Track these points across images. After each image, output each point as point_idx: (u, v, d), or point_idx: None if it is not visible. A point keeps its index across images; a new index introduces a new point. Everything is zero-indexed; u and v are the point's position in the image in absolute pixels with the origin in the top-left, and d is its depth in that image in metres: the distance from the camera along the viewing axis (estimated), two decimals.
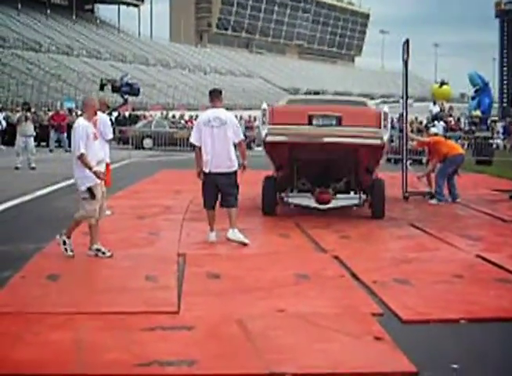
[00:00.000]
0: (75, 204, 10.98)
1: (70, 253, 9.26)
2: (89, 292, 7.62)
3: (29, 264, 8.86)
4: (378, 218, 13.15)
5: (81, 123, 9.40)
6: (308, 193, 13.36)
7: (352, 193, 13.39)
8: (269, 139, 12.44)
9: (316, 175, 13.50)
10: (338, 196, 13.24)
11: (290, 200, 13.41)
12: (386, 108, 12.73)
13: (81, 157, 9.14)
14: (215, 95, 10.69)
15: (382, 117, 12.31)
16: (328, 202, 13.14)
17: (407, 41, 15.78)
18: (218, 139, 10.32)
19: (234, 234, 10.51)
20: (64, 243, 9.31)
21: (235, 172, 10.52)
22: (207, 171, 10.44)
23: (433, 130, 18.72)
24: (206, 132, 10.38)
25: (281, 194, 13.50)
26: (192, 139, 10.69)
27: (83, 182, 9.34)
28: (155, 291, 7.64)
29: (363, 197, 13.28)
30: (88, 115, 9.63)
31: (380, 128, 12.25)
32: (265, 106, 12.51)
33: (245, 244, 10.39)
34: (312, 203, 13.22)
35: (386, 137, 12.38)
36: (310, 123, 12.24)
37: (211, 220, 10.71)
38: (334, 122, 12.22)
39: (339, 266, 9.03)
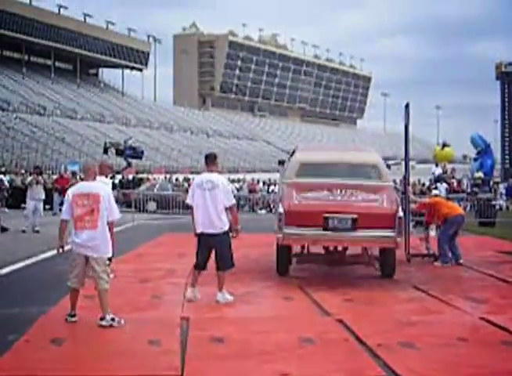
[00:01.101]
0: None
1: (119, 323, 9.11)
2: (93, 357, 7.60)
3: (33, 328, 8.86)
4: (388, 276, 13.39)
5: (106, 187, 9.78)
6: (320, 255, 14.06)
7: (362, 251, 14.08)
8: (285, 242, 12.87)
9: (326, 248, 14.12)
10: (349, 254, 13.89)
11: (302, 261, 14.02)
12: (401, 213, 12.74)
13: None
14: (210, 160, 11.16)
15: (397, 220, 12.48)
16: (340, 263, 13.90)
17: (407, 105, 15.93)
18: (210, 201, 10.71)
19: (222, 297, 10.87)
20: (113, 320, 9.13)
21: (226, 233, 10.84)
22: (199, 231, 10.86)
23: (434, 192, 18.83)
24: (199, 194, 10.84)
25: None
26: (187, 200, 11.12)
27: (110, 245, 9.45)
28: (158, 356, 7.62)
29: (374, 256, 13.75)
30: (87, 180, 9.67)
31: (394, 230, 12.48)
32: (281, 209, 12.60)
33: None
34: (325, 263, 13.98)
35: (399, 240, 12.67)
36: (326, 224, 12.41)
37: (194, 277, 11.09)
38: (350, 224, 12.42)
39: (343, 330, 9.00)
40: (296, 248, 14.17)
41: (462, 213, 16.80)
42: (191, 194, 11.02)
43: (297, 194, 12.98)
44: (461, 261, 15.74)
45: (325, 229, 12.43)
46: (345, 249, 14.10)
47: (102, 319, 9.12)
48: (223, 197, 10.75)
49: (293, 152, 15.54)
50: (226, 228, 10.83)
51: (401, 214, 12.64)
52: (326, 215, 12.41)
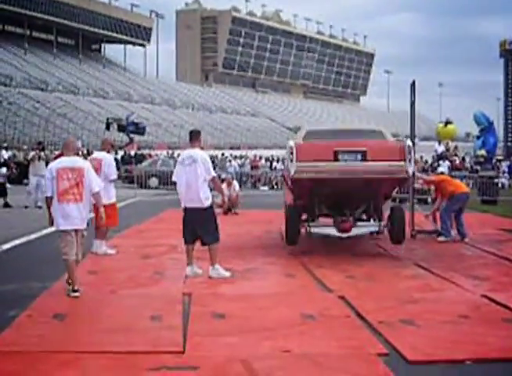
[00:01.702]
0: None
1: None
2: (95, 331, 7.62)
3: (35, 303, 8.89)
4: (398, 242, 13.54)
5: (87, 162, 10.02)
6: (330, 222, 13.79)
7: (372, 220, 13.87)
8: (297, 176, 12.67)
9: (336, 204, 13.75)
10: (358, 223, 13.63)
11: (312, 230, 13.64)
12: (409, 141, 12.83)
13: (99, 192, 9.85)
14: (193, 136, 11.33)
15: (406, 150, 12.53)
16: (349, 230, 13.47)
17: (413, 83, 15.88)
18: (189, 176, 10.87)
19: (215, 271, 10.94)
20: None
21: (207, 208, 10.94)
22: (182, 206, 11.08)
23: (440, 169, 18.85)
24: (180, 170, 11.08)
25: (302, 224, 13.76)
26: (173, 177, 11.28)
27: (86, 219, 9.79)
28: (160, 331, 7.64)
29: (383, 223, 13.63)
30: (68, 154, 9.91)
31: (404, 161, 12.49)
32: (291, 143, 12.62)
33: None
34: (334, 232, 13.52)
35: (411, 170, 12.69)
36: (336, 158, 12.47)
37: (188, 254, 11.17)
38: (360, 157, 12.48)
39: (345, 306, 9.01)
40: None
41: (467, 191, 16.80)
42: (175, 171, 11.26)
43: (307, 140, 13.20)
44: (466, 239, 15.74)
45: (335, 161, 12.52)
46: (353, 216, 13.81)
47: (75, 291, 9.39)
48: (203, 171, 10.84)
49: (296, 131, 15.75)
50: (208, 202, 10.94)
51: (409, 143, 12.70)
52: (336, 148, 12.49)
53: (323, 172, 12.64)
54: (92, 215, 11.13)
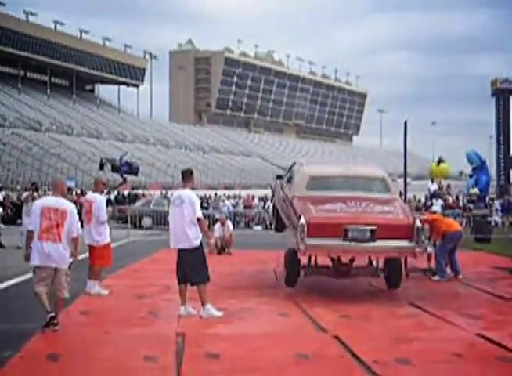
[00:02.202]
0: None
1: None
2: (89, 373, 7.60)
3: (28, 344, 8.84)
4: (395, 287, 13.71)
5: (72, 204, 10.14)
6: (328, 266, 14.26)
7: (368, 265, 14.33)
8: (308, 253, 13.02)
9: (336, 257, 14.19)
10: (356, 269, 14.11)
11: (311, 272, 14.10)
12: (419, 223, 12.86)
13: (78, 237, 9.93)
14: (185, 175, 11.50)
15: (415, 230, 12.61)
16: (347, 275, 14.00)
17: (405, 124, 16.01)
18: (178, 216, 10.98)
19: (205, 312, 10.92)
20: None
21: (195, 249, 10.93)
22: (171, 246, 11.19)
23: (433, 208, 18.97)
24: (170, 211, 11.24)
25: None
26: (168, 217, 11.40)
27: (68, 257, 9.95)
28: (154, 372, 7.62)
29: (380, 267, 13.99)
30: (56, 195, 10.13)
31: (412, 240, 12.62)
32: (302, 221, 12.50)
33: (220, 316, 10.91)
34: (332, 275, 14.10)
35: (418, 250, 12.78)
36: (345, 235, 12.50)
37: (181, 294, 11.16)
38: (369, 235, 12.54)
39: (339, 346, 8.99)
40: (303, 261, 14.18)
41: (460, 229, 17.03)
42: (169, 211, 11.38)
43: (315, 207, 13.07)
44: (460, 276, 15.88)
45: (345, 240, 12.54)
46: (352, 261, 14.22)
47: (55, 324, 9.53)
48: (190, 212, 10.90)
49: (291, 167, 15.72)
50: (196, 243, 10.94)
51: (418, 224, 12.76)
52: (346, 226, 12.53)
53: (332, 251, 13.08)
54: (84, 255, 11.15)
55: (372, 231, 12.51)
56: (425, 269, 16.42)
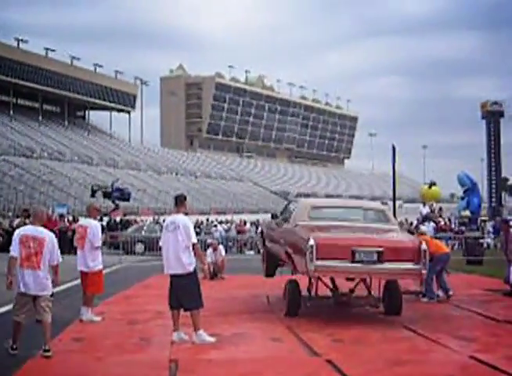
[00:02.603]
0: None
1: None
2: None
3: (20, 372, 8.80)
4: (396, 315, 13.69)
5: (51, 233, 10.31)
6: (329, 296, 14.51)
7: (368, 293, 14.38)
8: (316, 274, 13.06)
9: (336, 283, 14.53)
10: (356, 299, 14.31)
11: (311, 303, 14.11)
12: (424, 245, 12.95)
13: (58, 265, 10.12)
14: (178, 201, 11.52)
15: (422, 253, 12.73)
16: (347, 304, 14.25)
17: (394, 149, 16.18)
18: (171, 242, 11.00)
19: (198, 337, 10.90)
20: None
21: (188, 274, 10.94)
22: (165, 272, 11.18)
23: (422, 228, 19.11)
24: (164, 236, 11.25)
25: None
26: (160, 243, 11.50)
27: (50, 284, 10.15)
28: None
29: (379, 297, 14.07)
30: (35, 224, 10.38)
31: (419, 263, 12.71)
32: (312, 242, 12.53)
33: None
34: (332, 304, 14.30)
35: (424, 271, 12.87)
36: (353, 256, 12.60)
37: (174, 320, 11.14)
38: (376, 257, 12.64)
39: (332, 370, 8.97)
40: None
41: (447, 251, 17.49)
42: (161, 237, 11.42)
43: (320, 231, 13.24)
44: (451, 293, 16.30)
45: (353, 262, 12.64)
46: (351, 291, 14.43)
47: (46, 350, 9.76)
48: (184, 237, 10.92)
49: (286, 206, 16.01)
50: (190, 268, 10.95)
51: (424, 247, 12.86)
52: (354, 248, 12.63)
53: (340, 272, 13.19)
54: (76, 282, 11.16)
55: (379, 253, 12.64)
56: (416, 291, 16.54)
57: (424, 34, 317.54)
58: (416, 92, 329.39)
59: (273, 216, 16.76)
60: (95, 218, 13.59)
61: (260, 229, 18.30)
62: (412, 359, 9.72)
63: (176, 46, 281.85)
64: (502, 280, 17.82)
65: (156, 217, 55.95)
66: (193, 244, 10.98)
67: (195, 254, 11.08)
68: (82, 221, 14.11)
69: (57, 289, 10.66)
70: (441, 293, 16.40)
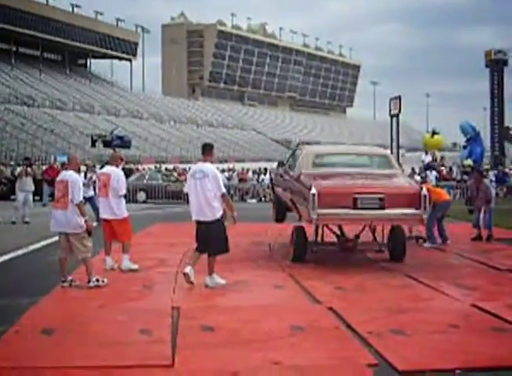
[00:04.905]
0: (69, 257, 11.04)
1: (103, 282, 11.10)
2: (84, 346, 7.57)
3: (23, 318, 8.83)
4: (399, 260, 13.96)
5: (75, 175, 11.03)
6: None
7: (373, 238, 14.78)
8: (319, 223, 13.22)
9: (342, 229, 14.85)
10: (361, 244, 14.58)
11: (318, 248, 14.38)
12: (425, 191, 13.09)
13: (81, 204, 10.95)
14: (205, 150, 11.60)
15: (422, 198, 12.86)
16: (352, 250, 14.49)
17: (399, 97, 16.12)
18: (200, 189, 11.08)
19: (212, 280, 11.19)
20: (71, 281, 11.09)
21: (217, 221, 11.13)
22: (193, 218, 11.30)
23: (429, 177, 19.47)
24: (191, 183, 11.28)
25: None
26: (184, 189, 11.85)
27: (81, 224, 10.94)
28: (149, 345, 7.61)
29: (384, 242, 14.40)
30: (67, 169, 11.47)
31: (420, 208, 12.87)
32: (313, 191, 12.64)
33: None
34: (338, 250, 14.58)
35: (425, 216, 13.07)
36: (355, 204, 12.74)
37: (193, 259, 11.36)
38: (378, 202, 12.81)
39: (334, 318, 9.00)
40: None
41: (449, 199, 17.98)
42: (187, 184, 11.56)
43: (323, 180, 13.34)
44: (448, 241, 16.77)
45: (354, 209, 12.78)
46: (357, 237, 14.61)
47: (88, 281, 10.98)
48: (213, 186, 11.01)
49: (294, 152, 15.93)
50: (218, 215, 11.09)
51: (425, 192, 12.98)
52: (356, 195, 12.76)
53: (343, 220, 13.35)
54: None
55: (380, 199, 12.76)
56: (417, 236, 16.83)
57: None
58: (419, 40, 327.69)
59: (280, 164, 16.86)
60: (117, 166, 13.42)
61: (269, 175, 18.44)
62: (413, 307, 9.74)
63: None
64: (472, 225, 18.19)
65: (158, 165, 55.93)
66: (223, 194, 11.13)
67: (224, 203, 11.21)
68: (105, 169, 13.88)
69: (55, 238, 11.45)
70: (438, 240, 16.79)
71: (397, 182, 13.77)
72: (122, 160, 14.08)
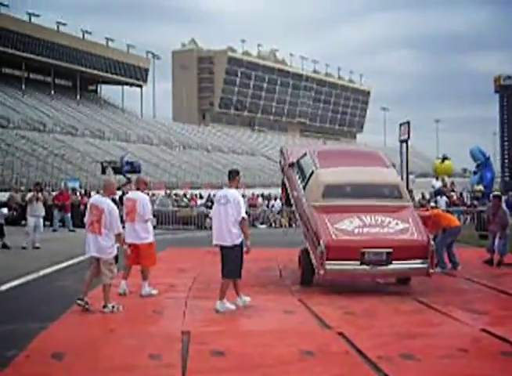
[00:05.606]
0: (79, 282, 11.09)
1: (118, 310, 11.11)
2: (94, 371, 7.60)
3: (34, 343, 8.85)
4: (405, 283, 14.22)
5: (112, 205, 11.31)
6: None
7: None
8: (327, 277, 13.23)
9: None
10: None
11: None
12: (433, 244, 13.38)
13: (120, 236, 11.39)
14: (231, 176, 11.88)
15: (430, 252, 13.07)
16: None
17: (408, 123, 16.14)
18: (222, 215, 11.30)
19: (222, 305, 11.25)
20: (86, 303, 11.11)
21: (234, 247, 11.24)
22: (213, 243, 11.52)
23: (432, 204, 19.42)
24: (215, 208, 11.56)
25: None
26: (210, 214, 11.57)
27: (112, 250, 11.27)
28: (159, 370, 7.63)
29: None
30: (102, 194, 11.75)
31: (426, 260, 13.07)
32: (322, 246, 12.83)
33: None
34: None
35: (432, 271, 13.33)
36: (362, 258, 12.89)
37: (225, 289, 11.42)
38: (385, 258, 12.96)
39: (344, 342, 9.00)
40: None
41: (459, 224, 18.04)
42: (212, 209, 11.84)
43: (332, 225, 13.38)
44: (459, 268, 16.68)
45: (362, 263, 12.93)
46: None
47: (104, 307, 11.00)
48: (234, 212, 11.21)
49: (302, 157, 15.82)
50: (237, 242, 11.25)
51: (433, 244, 13.27)
52: (363, 249, 12.91)
53: (349, 276, 13.68)
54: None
55: (388, 254, 12.92)
56: None
57: (437, 7, 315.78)
58: (428, 66, 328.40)
59: (290, 165, 16.86)
60: (142, 191, 13.48)
61: (279, 160, 18.59)
62: (423, 331, 9.73)
63: (188, 20, 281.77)
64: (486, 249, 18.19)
65: (169, 191, 55.99)
66: (242, 219, 11.27)
67: (241, 229, 11.30)
68: (131, 194, 13.85)
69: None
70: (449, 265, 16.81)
71: (406, 228, 13.55)
72: (146, 184, 14.18)
